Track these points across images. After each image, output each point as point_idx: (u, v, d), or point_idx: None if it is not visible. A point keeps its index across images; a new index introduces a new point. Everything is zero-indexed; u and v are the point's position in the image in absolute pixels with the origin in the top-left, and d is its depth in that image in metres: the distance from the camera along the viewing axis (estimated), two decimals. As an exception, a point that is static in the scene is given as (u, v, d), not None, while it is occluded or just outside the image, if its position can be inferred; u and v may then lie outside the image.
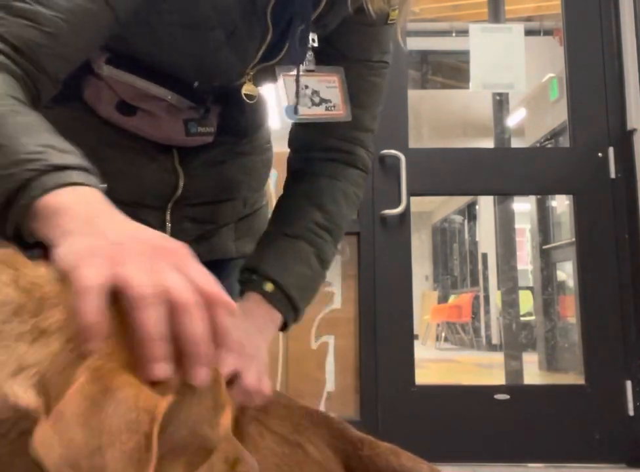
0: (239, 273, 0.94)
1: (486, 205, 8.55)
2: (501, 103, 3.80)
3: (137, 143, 0.99)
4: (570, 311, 5.13)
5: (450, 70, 7.73)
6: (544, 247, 5.67)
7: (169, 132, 0.99)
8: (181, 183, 1.02)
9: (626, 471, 2.48)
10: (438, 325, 9.62)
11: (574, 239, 2.77)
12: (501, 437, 2.54)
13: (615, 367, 2.56)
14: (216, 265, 1.05)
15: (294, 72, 0.97)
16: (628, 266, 2.60)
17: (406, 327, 2.66)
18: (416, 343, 2.76)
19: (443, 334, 9.60)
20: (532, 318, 5.95)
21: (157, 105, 0.97)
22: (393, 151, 2.66)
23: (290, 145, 1.09)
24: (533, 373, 5.02)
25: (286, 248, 0.93)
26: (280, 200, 1.03)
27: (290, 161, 1.08)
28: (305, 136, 1.05)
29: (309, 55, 0.98)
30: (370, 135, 1.06)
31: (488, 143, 5.46)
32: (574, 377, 4.29)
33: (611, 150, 2.67)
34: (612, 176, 2.66)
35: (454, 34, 6.17)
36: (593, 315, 2.62)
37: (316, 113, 0.98)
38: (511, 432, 2.54)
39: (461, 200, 10.39)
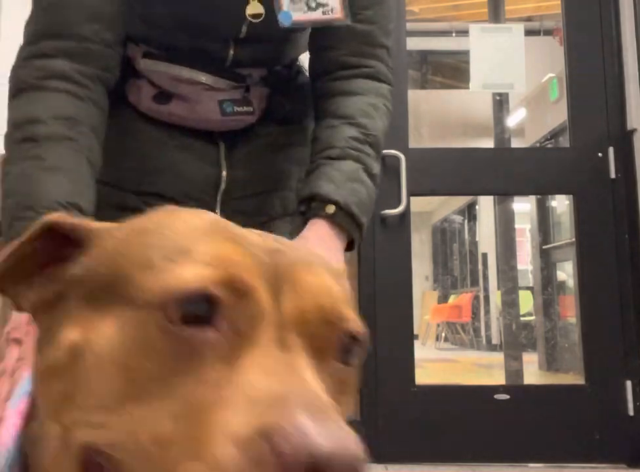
0: (296, 206, 0.96)
1: (486, 205, 8.54)
2: (501, 103, 3.80)
3: (183, 139, 1.02)
4: (570, 311, 5.12)
5: (450, 70, 7.73)
6: (544, 247, 5.66)
7: (204, 114, 1.01)
8: (224, 175, 1.04)
9: (626, 471, 2.48)
10: (438, 325, 9.62)
11: (574, 239, 2.77)
12: (501, 437, 2.54)
13: (615, 367, 2.56)
14: None
15: None
16: (628, 266, 2.60)
17: (406, 327, 2.66)
18: (416, 343, 2.76)
19: (443, 334, 9.59)
20: (532, 318, 5.94)
21: (193, 89, 1.00)
22: (393, 151, 2.66)
23: (310, 74, 1.09)
24: (533, 373, 5.02)
25: (336, 170, 0.94)
26: (314, 131, 1.03)
27: (314, 90, 1.07)
28: (321, 60, 1.05)
29: None
30: (385, 51, 1.07)
31: (488, 143, 5.46)
32: (574, 377, 4.29)
33: (611, 150, 2.67)
34: (612, 176, 2.66)
35: (454, 34, 6.17)
36: (593, 315, 2.62)
37: (312, 17, 0.98)
38: (511, 432, 2.54)
39: (461, 200, 10.38)
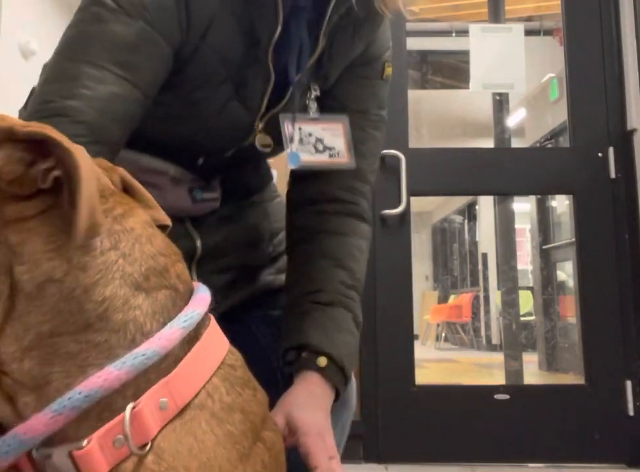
0: (283, 354, 0.92)
1: (486, 205, 8.54)
2: (501, 103, 3.80)
3: None
4: (570, 311, 5.12)
5: (450, 70, 7.73)
6: (544, 247, 5.66)
7: (175, 201, 1.00)
8: (198, 244, 1.03)
9: (626, 471, 2.48)
10: (438, 325, 9.61)
11: (574, 239, 2.77)
12: (501, 437, 2.54)
13: (615, 367, 2.56)
14: (259, 297, 1.08)
15: (299, 120, 0.98)
16: (628, 266, 2.60)
17: (406, 327, 2.66)
18: (416, 343, 2.76)
19: (443, 334, 9.59)
20: (532, 318, 5.94)
21: (161, 178, 0.98)
22: (393, 151, 2.66)
23: (291, 201, 1.08)
24: (533, 373, 5.02)
25: (326, 318, 0.92)
26: (297, 263, 1.01)
27: (297, 218, 1.06)
28: (309, 189, 1.05)
29: (313, 104, 0.99)
30: (369, 187, 1.06)
31: (488, 143, 5.46)
32: (574, 377, 4.29)
33: (611, 150, 2.67)
34: (612, 176, 2.66)
35: (454, 34, 6.17)
36: (593, 315, 2.62)
37: (319, 159, 0.99)
38: (511, 432, 2.54)
39: (461, 200, 10.38)
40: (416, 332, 3.42)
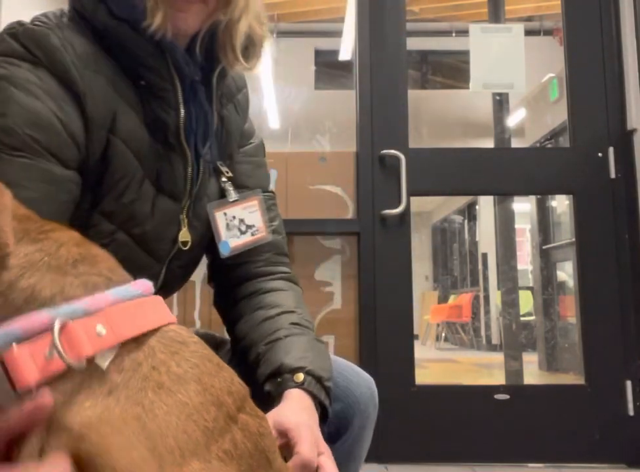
0: (261, 386, 0.91)
1: (486, 205, 8.55)
2: (501, 103, 3.80)
3: None
4: (570, 311, 5.12)
5: (450, 70, 7.73)
6: (544, 247, 5.66)
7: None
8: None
9: (626, 471, 2.48)
10: (438, 325, 9.61)
11: (574, 239, 2.77)
12: (501, 437, 2.54)
13: (615, 367, 2.56)
14: None
15: (224, 206, 1.00)
16: (628, 266, 2.60)
17: (406, 327, 2.66)
18: (416, 343, 2.76)
19: (443, 334, 9.59)
20: (532, 318, 5.94)
21: None
22: (393, 151, 2.66)
23: (220, 287, 1.09)
24: (533, 373, 5.02)
25: (290, 343, 0.93)
26: (245, 322, 1.01)
27: (231, 298, 1.06)
28: (237, 273, 1.06)
29: (229, 186, 1.01)
30: (288, 260, 1.10)
31: (488, 143, 5.46)
32: (574, 377, 4.29)
33: (611, 150, 2.67)
34: (612, 176, 2.66)
35: (454, 34, 6.18)
36: (593, 315, 2.62)
37: (245, 241, 1.02)
38: (511, 432, 2.54)
39: (461, 200, 10.38)
40: (416, 332, 3.42)
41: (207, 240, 1.02)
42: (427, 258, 11.93)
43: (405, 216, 2.68)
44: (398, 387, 2.56)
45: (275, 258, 1.07)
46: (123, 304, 0.57)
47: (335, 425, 0.97)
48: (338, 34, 5.53)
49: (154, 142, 0.91)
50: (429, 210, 11.85)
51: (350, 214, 2.76)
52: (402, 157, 2.65)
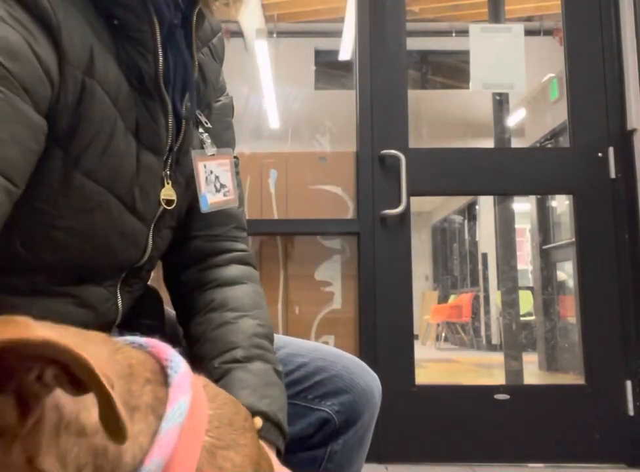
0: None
1: (486, 205, 8.55)
2: (501, 103, 3.80)
3: None
4: (570, 311, 5.12)
5: (450, 70, 7.73)
6: (544, 247, 5.66)
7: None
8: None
9: (626, 471, 2.48)
10: (438, 325, 9.61)
11: (574, 239, 2.77)
12: (501, 437, 2.54)
13: (615, 367, 2.56)
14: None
15: (205, 158, 0.93)
16: (628, 266, 2.61)
17: (406, 327, 2.66)
18: (416, 343, 2.76)
19: (443, 334, 9.59)
20: (532, 318, 5.94)
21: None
22: (393, 151, 2.66)
23: (172, 266, 1.01)
24: (533, 373, 5.02)
25: (249, 374, 0.86)
26: (201, 326, 0.93)
27: (185, 281, 0.98)
28: (190, 249, 0.99)
29: (207, 138, 0.95)
30: (246, 234, 1.04)
31: (488, 143, 5.46)
32: (574, 377, 4.29)
33: (611, 150, 2.67)
34: (612, 176, 2.66)
35: (454, 34, 6.17)
36: (593, 315, 2.62)
37: (218, 200, 0.95)
38: (511, 432, 2.54)
39: (461, 200, 10.38)
40: (416, 332, 3.42)
41: (190, 198, 0.94)
42: (427, 258, 11.93)
43: (405, 216, 2.68)
44: (398, 387, 2.56)
45: (235, 233, 1.01)
46: (179, 436, 0.52)
47: (345, 416, 0.96)
48: (337, 34, 5.53)
49: (132, 89, 0.82)
50: (429, 210, 11.85)
51: (350, 214, 2.76)
52: (402, 157, 2.65)
